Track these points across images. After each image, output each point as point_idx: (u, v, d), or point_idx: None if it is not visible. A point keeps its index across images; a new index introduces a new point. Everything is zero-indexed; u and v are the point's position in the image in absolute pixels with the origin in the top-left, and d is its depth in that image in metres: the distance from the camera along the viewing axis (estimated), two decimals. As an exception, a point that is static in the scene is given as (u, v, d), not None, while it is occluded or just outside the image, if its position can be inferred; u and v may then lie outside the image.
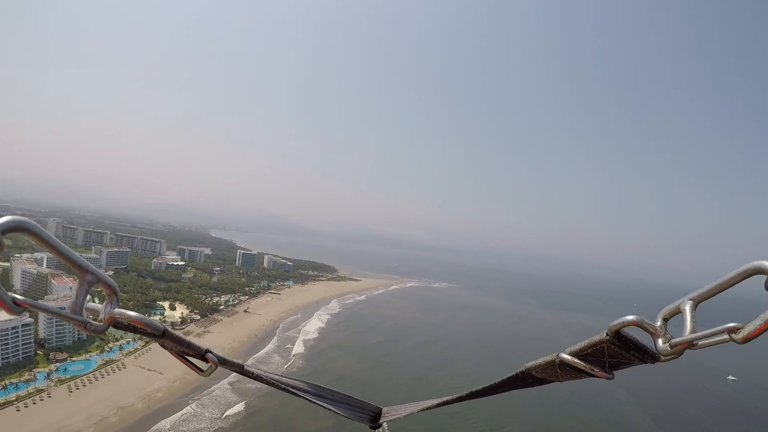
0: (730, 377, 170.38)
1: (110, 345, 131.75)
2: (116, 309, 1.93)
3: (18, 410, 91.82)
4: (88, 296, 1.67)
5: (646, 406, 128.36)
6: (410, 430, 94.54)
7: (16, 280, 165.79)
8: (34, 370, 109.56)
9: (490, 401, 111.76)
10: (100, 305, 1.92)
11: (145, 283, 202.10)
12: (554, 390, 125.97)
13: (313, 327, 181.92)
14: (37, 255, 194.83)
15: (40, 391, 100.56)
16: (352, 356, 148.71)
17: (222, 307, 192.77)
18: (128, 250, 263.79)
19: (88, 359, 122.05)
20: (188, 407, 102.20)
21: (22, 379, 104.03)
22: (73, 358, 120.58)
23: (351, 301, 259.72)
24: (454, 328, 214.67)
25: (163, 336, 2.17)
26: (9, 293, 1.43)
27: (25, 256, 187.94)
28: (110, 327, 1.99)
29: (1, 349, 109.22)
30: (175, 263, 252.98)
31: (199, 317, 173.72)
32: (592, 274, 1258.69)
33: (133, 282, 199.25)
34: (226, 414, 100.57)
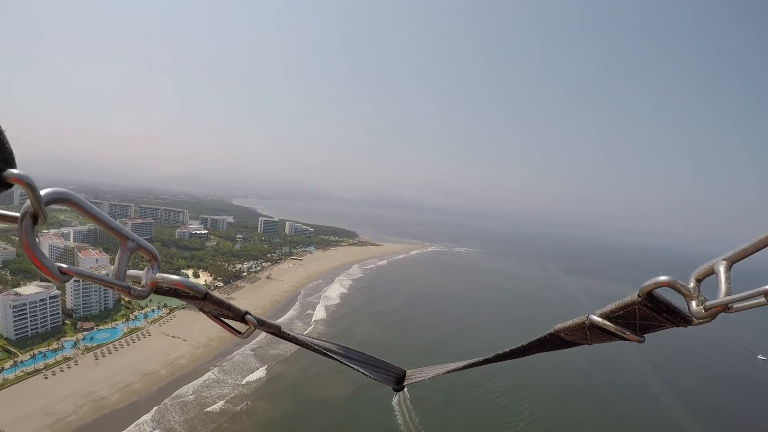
0: (760, 356, 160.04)
1: (135, 313, 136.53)
2: (158, 274, 1.95)
3: (46, 378, 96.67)
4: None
5: (671, 383, 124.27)
6: (428, 399, 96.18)
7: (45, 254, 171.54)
8: (61, 339, 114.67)
9: (509, 372, 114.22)
10: (140, 272, 1.95)
11: (169, 252, 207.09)
12: (574, 361, 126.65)
13: (334, 292, 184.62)
14: (64, 230, 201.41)
15: (67, 359, 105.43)
16: (372, 321, 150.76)
17: (245, 273, 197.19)
18: (152, 221, 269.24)
19: (114, 327, 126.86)
20: (210, 373, 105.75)
21: (51, 348, 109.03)
22: (100, 327, 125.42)
23: (372, 266, 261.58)
24: (474, 293, 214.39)
25: (204, 299, 2.20)
26: (56, 263, 1.47)
27: (52, 231, 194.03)
28: (152, 292, 2.00)
29: (31, 319, 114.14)
30: (198, 232, 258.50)
31: (222, 284, 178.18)
32: (610, 238, 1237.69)
33: (157, 251, 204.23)
34: (247, 379, 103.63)
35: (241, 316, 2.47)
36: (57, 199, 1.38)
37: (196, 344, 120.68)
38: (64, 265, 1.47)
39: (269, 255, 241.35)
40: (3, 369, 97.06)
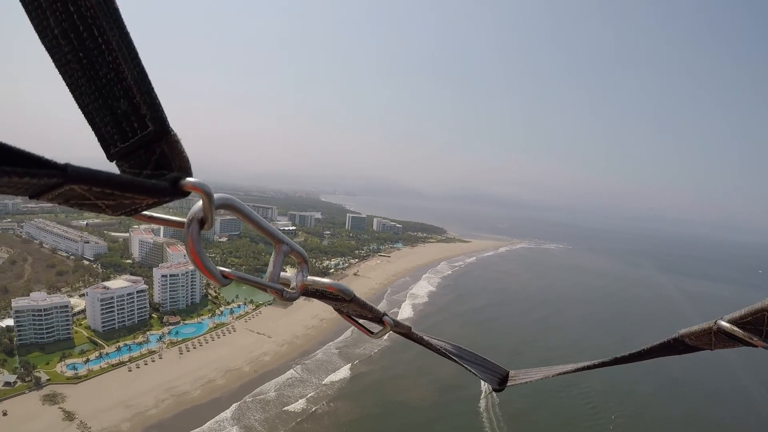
0: None
1: (221, 309, 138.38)
2: (308, 277, 2.04)
3: (130, 370, 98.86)
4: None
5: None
6: (516, 402, 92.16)
7: (134, 249, 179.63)
8: (147, 332, 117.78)
9: (598, 374, 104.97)
10: (290, 274, 2.05)
11: (257, 248, 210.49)
12: (663, 366, 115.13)
13: (421, 290, 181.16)
14: (154, 226, 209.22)
15: (152, 352, 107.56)
16: (458, 320, 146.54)
17: (332, 270, 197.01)
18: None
19: (200, 322, 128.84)
20: (293, 371, 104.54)
21: (136, 341, 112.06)
22: (186, 321, 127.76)
23: (460, 263, 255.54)
24: (562, 291, 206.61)
25: (351, 301, 2.30)
26: (218, 267, 1.53)
27: (142, 227, 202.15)
28: (301, 295, 2.10)
29: (118, 312, 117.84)
30: (286, 228, 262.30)
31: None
32: (702, 232, 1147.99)
33: (245, 247, 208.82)
34: (330, 379, 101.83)
35: (379, 317, 2.62)
36: (223, 205, 1.43)
37: (280, 341, 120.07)
38: (227, 270, 1.58)
39: (357, 251, 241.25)
40: (88, 360, 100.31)
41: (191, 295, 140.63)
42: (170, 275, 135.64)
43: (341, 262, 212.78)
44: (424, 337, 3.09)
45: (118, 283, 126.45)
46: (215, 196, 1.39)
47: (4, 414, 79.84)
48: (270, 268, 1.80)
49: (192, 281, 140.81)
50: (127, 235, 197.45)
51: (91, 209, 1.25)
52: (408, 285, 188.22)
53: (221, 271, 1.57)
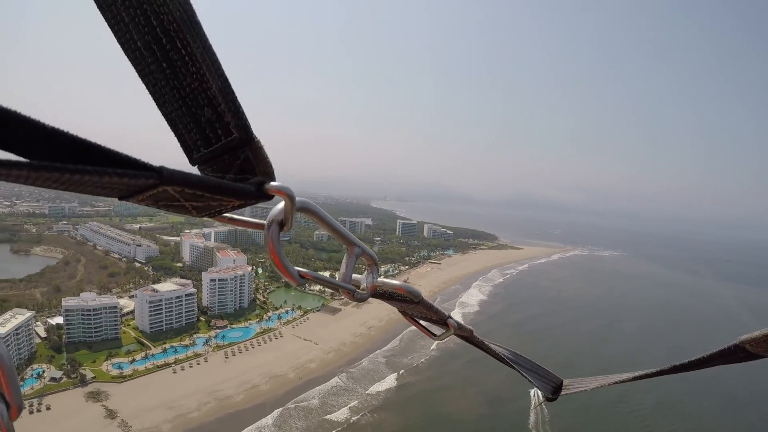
0: None
1: (269, 314, 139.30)
2: (378, 278, 2.13)
3: (174, 372, 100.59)
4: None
5: None
6: (567, 416, 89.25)
7: (185, 253, 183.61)
8: (194, 335, 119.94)
9: (655, 388, 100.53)
10: (361, 276, 2.12)
11: (307, 254, 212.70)
12: (722, 381, 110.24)
13: (471, 298, 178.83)
14: (206, 230, 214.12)
15: (197, 355, 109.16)
16: (508, 330, 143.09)
17: (381, 277, 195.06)
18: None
19: (248, 327, 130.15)
20: (338, 379, 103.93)
21: (182, 343, 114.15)
22: (233, 326, 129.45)
23: (511, 270, 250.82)
24: (616, 301, 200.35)
25: (419, 303, 2.35)
26: (295, 268, 1.62)
27: (194, 231, 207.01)
28: (371, 296, 2.18)
29: (166, 315, 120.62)
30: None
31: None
32: (764, 238, 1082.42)
33: (295, 253, 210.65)
34: (375, 388, 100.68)
35: (444, 320, 2.66)
36: (302, 208, 1.53)
37: (327, 348, 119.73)
38: (303, 270, 1.68)
39: (407, 258, 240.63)
40: (134, 360, 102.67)
41: (239, 300, 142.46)
42: (219, 279, 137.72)
43: (391, 269, 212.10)
44: (485, 341, 3.12)
45: (167, 286, 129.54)
46: (300, 199, 1.49)
47: (48, 408, 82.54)
48: (342, 270, 1.90)
49: (240, 286, 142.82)
50: (178, 239, 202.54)
51: (177, 210, 1.33)
52: (458, 293, 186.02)
53: (298, 271, 1.65)
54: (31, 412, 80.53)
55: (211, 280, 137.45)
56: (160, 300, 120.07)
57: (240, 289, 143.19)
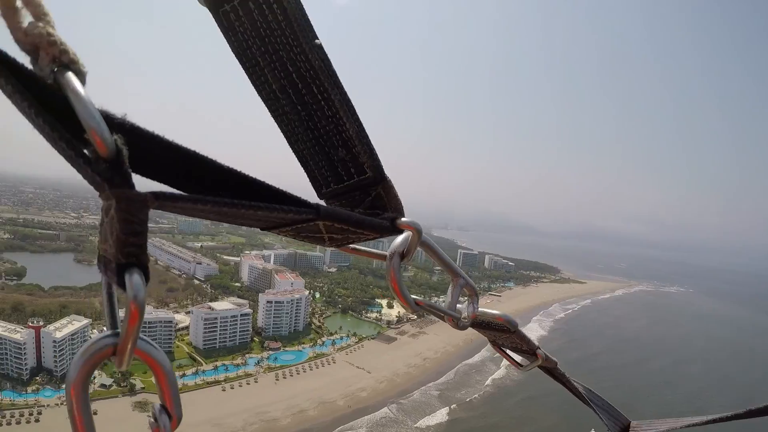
0: None
1: (324, 339, 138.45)
2: (479, 309, 2.14)
3: (224, 390, 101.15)
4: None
5: None
6: None
7: (244, 273, 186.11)
8: (246, 355, 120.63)
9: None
10: (462, 305, 2.12)
11: (366, 281, 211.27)
12: None
13: (531, 333, 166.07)
14: (266, 252, 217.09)
15: (248, 375, 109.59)
16: (568, 367, 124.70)
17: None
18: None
19: (301, 350, 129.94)
20: (387, 409, 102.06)
21: (234, 362, 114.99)
22: (286, 348, 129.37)
23: (573, 305, 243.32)
24: (680, 341, 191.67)
25: (514, 332, 2.40)
26: (412, 296, 1.67)
27: (254, 252, 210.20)
28: (471, 324, 2.18)
29: (220, 333, 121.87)
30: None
31: (415, 317, 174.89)
32: None
33: (354, 279, 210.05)
34: (425, 422, 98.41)
35: (534, 350, 2.69)
36: (421, 242, 1.62)
37: (380, 378, 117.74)
38: (419, 298, 1.75)
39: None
40: (185, 375, 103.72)
41: (294, 323, 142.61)
42: (275, 301, 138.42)
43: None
44: (564, 376, 3.14)
45: (224, 305, 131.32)
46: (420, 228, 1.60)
47: (95, 413, 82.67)
48: (448, 299, 1.95)
49: (296, 309, 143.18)
50: (238, 259, 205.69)
51: (312, 240, 1.44)
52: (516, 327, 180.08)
53: (414, 300, 1.72)
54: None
55: (268, 302, 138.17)
56: (216, 318, 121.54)
57: (296, 313, 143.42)
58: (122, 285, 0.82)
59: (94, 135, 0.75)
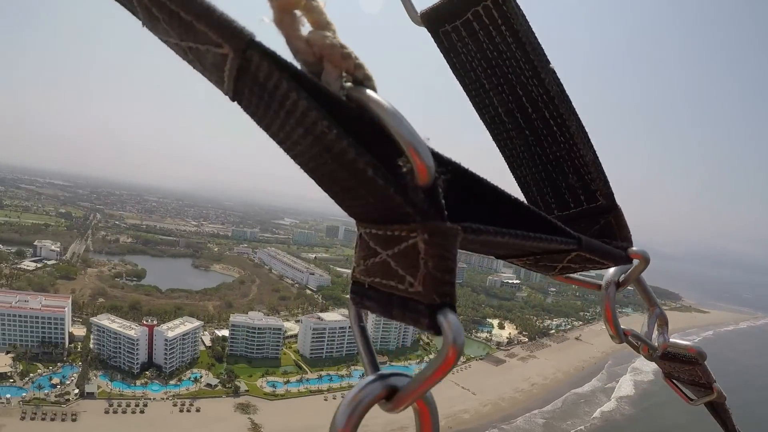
0: None
1: (431, 356, 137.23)
2: (670, 339, 2.22)
3: (326, 399, 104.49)
4: None
5: None
6: None
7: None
8: (352, 367, 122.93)
9: None
10: (655, 334, 2.20)
11: (478, 299, 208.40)
12: None
13: (645, 365, 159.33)
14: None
15: (351, 386, 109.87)
16: (681, 404, 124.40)
17: (552, 331, 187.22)
18: (465, 265, 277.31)
19: (407, 366, 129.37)
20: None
21: (339, 372, 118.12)
22: (392, 363, 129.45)
23: (693, 337, 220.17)
24: None
25: (701, 365, 2.41)
26: (621, 327, 1.75)
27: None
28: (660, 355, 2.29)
29: (328, 343, 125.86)
30: (510, 281, 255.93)
31: (526, 339, 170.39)
32: None
33: (466, 296, 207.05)
34: None
35: (711, 384, 2.63)
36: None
37: (485, 401, 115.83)
38: (627, 329, 1.82)
39: (581, 313, 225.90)
40: (288, 381, 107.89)
41: (403, 338, 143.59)
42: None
43: (563, 323, 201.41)
44: (729, 411, 2.97)
45: (333, 316, 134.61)
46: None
47: (198, 410, 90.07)
48: (644, 328, 2.02)
49: (405, 325, 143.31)
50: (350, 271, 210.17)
51: (542, 270, 1.41)
52: (631, 357, 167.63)
53: (623, 330, 1.79)
54: (181, 411, 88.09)
55: (377, 316, 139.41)
56: (324, 328, 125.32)
57: (405, 328, 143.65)
58: (433, 327, 0.76)
59: (417, 160, 0.70)
